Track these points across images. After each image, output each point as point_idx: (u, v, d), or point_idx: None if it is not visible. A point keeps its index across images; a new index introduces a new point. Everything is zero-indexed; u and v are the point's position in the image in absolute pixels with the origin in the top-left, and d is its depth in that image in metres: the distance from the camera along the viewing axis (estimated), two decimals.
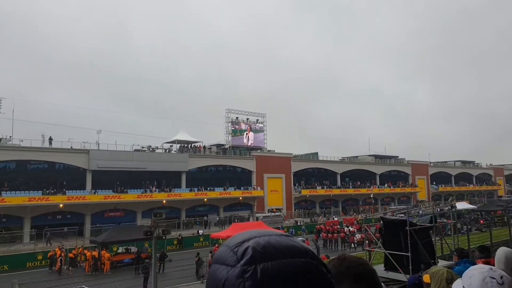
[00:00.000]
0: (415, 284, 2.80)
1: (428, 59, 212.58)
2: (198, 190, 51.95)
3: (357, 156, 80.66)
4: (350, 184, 71.02)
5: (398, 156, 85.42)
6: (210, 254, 24.89)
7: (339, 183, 69.41)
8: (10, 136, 44.07)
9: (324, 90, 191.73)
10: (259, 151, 62.72)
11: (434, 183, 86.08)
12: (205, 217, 50.42)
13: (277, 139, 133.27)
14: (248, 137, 62.64)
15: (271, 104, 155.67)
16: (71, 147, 45.32)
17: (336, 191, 66.54)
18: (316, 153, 71.67)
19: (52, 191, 41.42)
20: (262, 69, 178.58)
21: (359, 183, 71.89)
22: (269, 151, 64.39)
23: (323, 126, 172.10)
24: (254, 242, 0.67)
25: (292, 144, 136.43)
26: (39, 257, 28.53)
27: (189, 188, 51.58)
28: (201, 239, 37.05)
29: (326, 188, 66.26)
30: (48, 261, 26.91)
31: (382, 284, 1.25)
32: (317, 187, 65.20)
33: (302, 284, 0.63)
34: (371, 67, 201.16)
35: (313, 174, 69.24)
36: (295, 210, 61.06)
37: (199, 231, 40.56)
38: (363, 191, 70.07)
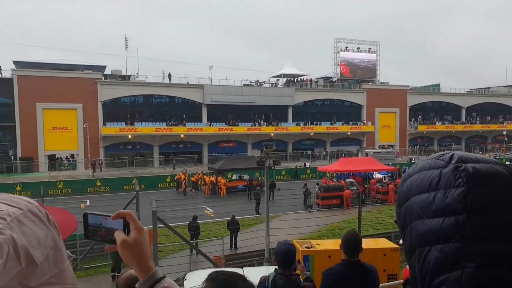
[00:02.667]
0: None
1: None
2: (304, 124, 52.33)
3: (489, 88, 70.16)
4: (478, 119, 63.26)
5: None
6: (317, 186, 25.47)
7: (463, 118, 62.43)
8: (137, 73, 49.75)
9: (446, 9, 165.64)
10: (370, 83, 59.21)
11: None
12: (309, 151, 51.04)
13: (392, 70, 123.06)
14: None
15: (383, 33, 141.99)
16: (187, 83, 48.89)
17: (459, 127, 60.37)
18: (438, 85, 64.65)
19: (174, 123, 46.28)
20: None
21: (489, 118, 63.55)
22: (382, 83, 60.46)
23: (446, 54, 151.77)
24: (454, 153, 0.78)
25: (409, 75, 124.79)
26: (167, 180, 32.90)
27: (295, 122, 52.23)
28: (308, 172, 37.98)
29: (448, 123, 60.40)
30: (175, 183, 30.92)
31: None
32: (437, 123, 59.87)
33: (510, 184, 0.72)
34: None
35: (433, 108, 63.35)
36: (409, 146, 57.77)
37: (306, 163, 41.51)
38: (494, 127, 62.05)
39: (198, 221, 16.49)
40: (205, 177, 30.31)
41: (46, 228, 0.74)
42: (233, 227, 16.25)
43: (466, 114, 63.00)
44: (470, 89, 68.57)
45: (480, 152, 55.05)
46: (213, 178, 29.19)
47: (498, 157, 47.19)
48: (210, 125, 47.69)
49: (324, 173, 30.93)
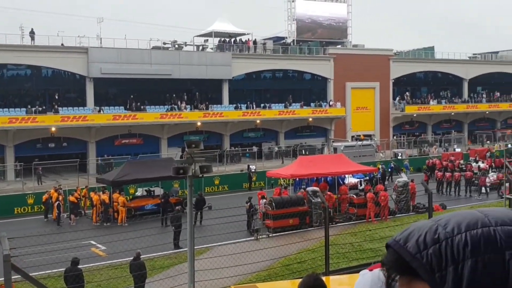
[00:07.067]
0: None
1: None
2: (247, 107, 52.85)
3: (497, 52, 76.11)
4: (484, 96, 68.33)
5: None
6: (264, 201, 25.29)
7: (465, 95, 67.25)
8: None
9: None
10: (339, 46, 61.69)
11: None
12: (255, 147, 51.14)
13: (369, 29, 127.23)
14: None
15: None
16: (62, 44, 47.11)
17: (460, 107, 64.94)
18: (431, 48, 68.61)
19: (40, 109, 44.23)
20: None
21: (498, 94, 69.09)
22: (355, 46, 63.38)
23: (444, 7, 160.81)
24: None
25: (393, 36, 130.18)
26: (30, 201, 31.30)
27: (234, 105, 52.56)
28: (254, 178, 37.96)
29: (445, 102, 64.68)
30: (43, 206, 29.39)
31: None
32: (431, 102, 63.93)
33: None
34: None
35: (425, 81, 67.98)
36: (394, 137, 60.95)
37: (250, 166, 41.61)
38: (505, 107, 67.40)
39: (81, 266, 16.03)
40: (92, 194, 29.25)
41: None
42: (137, 273, 15.91)
43: (469, 89, 67.77)
44: (474, 54, 73.85)
45: (488, 142, 58.77)
46: (105, 196, 28.33)
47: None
48: (100, 111, 46.35)
49: (276, 179, 30.93)
